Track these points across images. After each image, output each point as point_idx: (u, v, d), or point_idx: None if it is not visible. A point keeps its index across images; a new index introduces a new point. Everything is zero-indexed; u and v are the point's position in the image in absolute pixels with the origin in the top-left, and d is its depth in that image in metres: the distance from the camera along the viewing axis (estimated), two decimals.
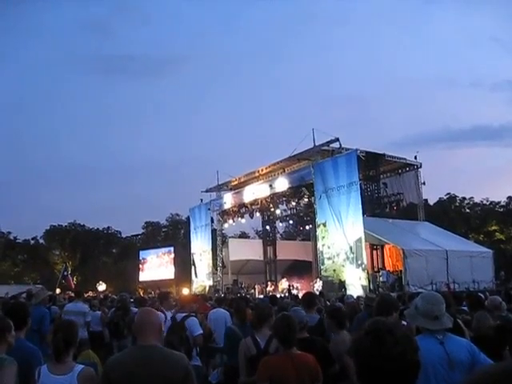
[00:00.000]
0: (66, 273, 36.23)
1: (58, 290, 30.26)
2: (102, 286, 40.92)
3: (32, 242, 65.15)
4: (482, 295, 9.15)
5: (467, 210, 56.49)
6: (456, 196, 56.67)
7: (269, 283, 35.39)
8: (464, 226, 49.73)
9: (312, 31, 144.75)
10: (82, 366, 4.04)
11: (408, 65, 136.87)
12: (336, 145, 27.74)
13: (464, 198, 56.83)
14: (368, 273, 25.04)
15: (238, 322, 7.82)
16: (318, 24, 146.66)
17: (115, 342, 10.09)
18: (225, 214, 36.90)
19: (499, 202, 55.73)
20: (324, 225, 27.28)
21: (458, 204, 56.89)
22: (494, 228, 52.44)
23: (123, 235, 68.89)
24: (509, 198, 55.53)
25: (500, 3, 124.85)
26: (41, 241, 65.42)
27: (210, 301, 14.61)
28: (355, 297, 15.35)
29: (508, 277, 31.43)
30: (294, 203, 32.37)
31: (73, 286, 34.72)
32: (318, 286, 27.62)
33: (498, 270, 29.20)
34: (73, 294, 17.38)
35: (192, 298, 10.12)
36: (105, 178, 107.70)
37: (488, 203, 55.95)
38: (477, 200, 56.40)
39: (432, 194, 50.37)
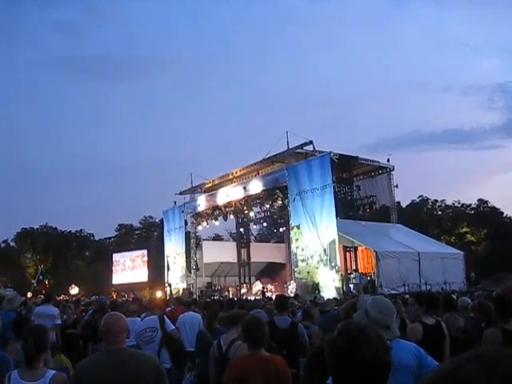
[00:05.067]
0: (41, 277, 35.75)
1: (29, 294, 29.87)
2: (74, 290, 40.55)
3: (3, 244, 64.37)
4: (454, 296, 9.29)
5: (439, 213, 57.19)
6: (428, 198, 57.37)
7: (243, 285, 35.39)
8: (436, 228, 50.37)
9: (285, 34, 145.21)
10: (54, 372, 4.00)
11: (380, 68, 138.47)
12: (310, 147, 27.90)
13: (436, 201, 57.55)
14: (341, 275, 25.19)
15: (208, 325, 7.78)
16: (291, 27, 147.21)
17: (91, 345, 10.01)
18: (198, 217, 36.79)
19: (470, 205, 56.55)
20: (298, 227, 27.34)
21: (430, 206, 57.57)
22: (465, 230, 53.20)
23: (96, 238, 68.45)
24: (479, 200, 56.45)
25: (471, 9, 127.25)
26: (12, 244, 64.62)
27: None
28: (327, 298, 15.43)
29: (478, 278, 31.90)
30: (267, 205, 32.40)
31: (46, 289, 34.26)
32: (291, 288, 27.70)
33: (468, 272, 29.61)
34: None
35: (161, 301, 10.10)
36: (77, 181, 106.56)
37: (459, 205, 56.73)
38: (448, 202, 57.23)
39: (404, 197, 51.00)
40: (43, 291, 32.65)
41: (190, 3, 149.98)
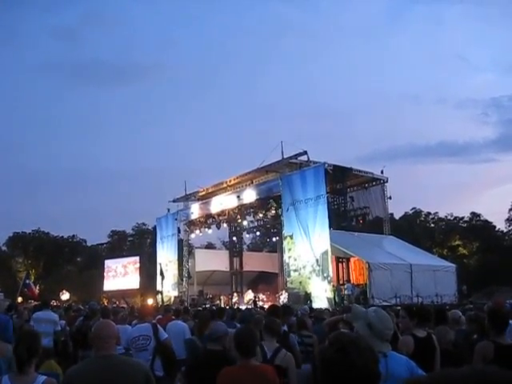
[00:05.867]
0: (27, 281, 35.48)
1: (19, 299, 29.68)
2: (65, 295, 40.26)
3: None
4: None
5: (432, 225, 57.30)
6: (421, 211, 57.48)
7: (234, 294, 35.31)
8: (428, 241, 50.40)
9: (282, 44, 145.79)
10: (45, 377, 3.98)
11: (376, 81, 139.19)
12: (304, 158, 27.95)
13: (429, 213, 57.66)
14: (333, 285, 25.18)
15: (199, 333, 7.76)
16: (289, 38, 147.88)
17: (81, 352, 9.94)
18: (192, 225, 36.76)
19: (463, 218, 56.68)
20: (291, 237, 27.37)
21: (422, 219, 57.68)
22: (457, 243, 53.32)
23: (88, 244, 68.08)
24: (472, 213, 56.56)
25: (466, 23, 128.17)
26: (3, 248, 64.25)
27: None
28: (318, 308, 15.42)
29: (469, 291, 31.93)
30: (261, 215, 32.41)
31: (36, 295, 34.00)
32: (283, 297, 27.63)
33: (460, 284, 29.64)
34: (36, 303, 17.09)
35: (152, 309, 10.09)
36: (71, 186, 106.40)
37: (452, 218, 56.87)
38: (441, 215, 57.36)
39: (398, 209, 51.09)
40: (34, 296, 32.42)
41: (187, 11, 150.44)
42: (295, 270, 26.96)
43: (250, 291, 33.54)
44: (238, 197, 31.13)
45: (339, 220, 29.66)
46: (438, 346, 5.23)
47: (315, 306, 21.62)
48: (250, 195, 30.50)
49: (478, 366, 1.30)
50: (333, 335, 2.34)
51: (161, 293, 34.34)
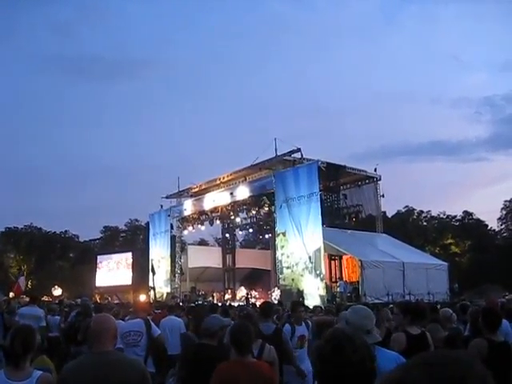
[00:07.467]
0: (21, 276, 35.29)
1: (11, 294, 29.55)
2: (57, 291, 40.17)
3: None
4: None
5: (424, 223, 57.48)
6: (414, 209, 57.65)
7: (227, 291, 35.31)
8: (421, 239, 50.53)
9: (278, 42, 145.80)
10: (41, 372, 3.98)
11: (370, 79, 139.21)
12: (298, 155, 27.98)
13: (421, 211, 57.83)
14: (326, 283, 25.21)
15: (195, 330, 7.76)
16: (285, 36, 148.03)
17: (73, 348, 9.92)
18: (184, 221, 36.69)
19: (455, 216, 56.92)
20: (284, 234, 27.38)
21: (415, 217, 57.85)
22: (449, 241, 53.51)
23: (81, 239, 67.88)
24: (465, 212, 56.83)
25: (460, 22, 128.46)
26: None
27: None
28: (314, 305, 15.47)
29: (461, 289, 32.07)
30: (254, 212, 32.39)
31: (22, 290, 33.79)
32: (275, 294, 27.64)
33: (452, 283, 29.75)
34: (27, 299, 17.03)
35: (146, 304, 10.09)
36: (64, 181, 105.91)
37: (444, 217, 57.07)
38: (434, 213, 57.55)
39: (390, 207, 51.13)
40: (21, 292, 32.25)
41: (184, 7, 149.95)
42: (288, 267, 26.97)
43: (242, 288, 33.55)
44: (231, 193, 31.08)
45: (332, 217, 29.68)
46: (432, 344, 5.26)
47: (307, 303, 21.63)
48: (243, 192, 30.47)
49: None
50: (329, 332, 2.36)
51: (153, 289, 34.28)
